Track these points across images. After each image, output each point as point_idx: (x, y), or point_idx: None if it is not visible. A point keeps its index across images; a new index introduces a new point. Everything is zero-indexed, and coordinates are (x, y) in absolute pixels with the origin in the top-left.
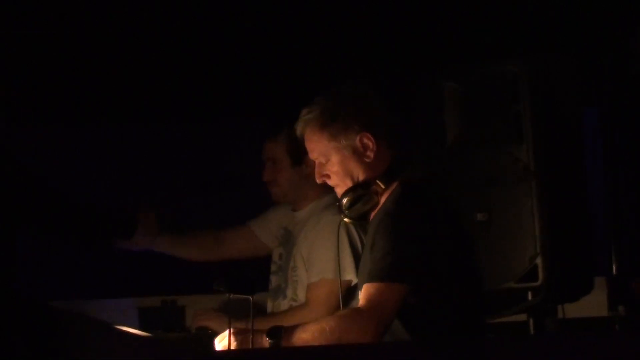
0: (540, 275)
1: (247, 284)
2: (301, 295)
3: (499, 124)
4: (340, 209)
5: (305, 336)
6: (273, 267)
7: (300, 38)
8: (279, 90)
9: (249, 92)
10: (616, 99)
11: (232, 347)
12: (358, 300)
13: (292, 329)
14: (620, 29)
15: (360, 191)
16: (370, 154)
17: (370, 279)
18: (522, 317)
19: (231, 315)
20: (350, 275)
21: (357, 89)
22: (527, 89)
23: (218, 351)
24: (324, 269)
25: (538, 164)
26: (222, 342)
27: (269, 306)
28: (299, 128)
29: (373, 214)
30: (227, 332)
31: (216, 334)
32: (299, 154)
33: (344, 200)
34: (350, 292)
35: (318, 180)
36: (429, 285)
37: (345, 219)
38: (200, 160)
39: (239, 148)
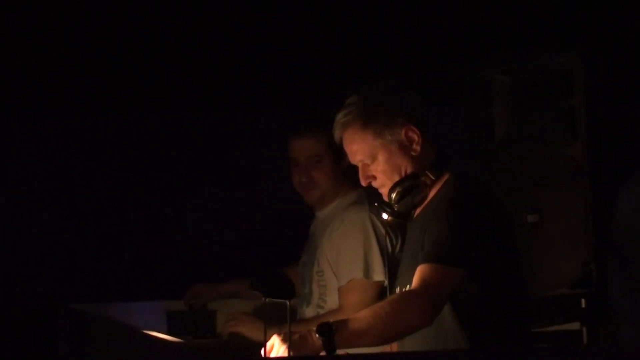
0: (595, 281)
1: (285, 288)
2: (329, 301)
3: (551, 120)
4: (382, 207)
5: (359, 326)
6: (296, 278)
7: (336, 29)
8: (309, 83)
9: (270, 84)
10: None
11: (289, 354)
12: None
13: (344, 322)
14: None
15: (408, 183)
16: (417, 147)
17: (427, 260)
18: (574, 325)
19: (265, 320)
20: (380, 276)
21: (390, 84)
22: (582, 82)
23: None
24: (352, 270)
25: (593, 163)
26: (275, 350)
27: None
28: (337, 132)
29: (419, 210)
30: (273, 339)
31: (249, 340)
32: (341, 148)
33: (393, 194)
34: (381, 294)
35: (364, 183)
36: (487, 274)
37: (388, 218)
38: (204, 155)
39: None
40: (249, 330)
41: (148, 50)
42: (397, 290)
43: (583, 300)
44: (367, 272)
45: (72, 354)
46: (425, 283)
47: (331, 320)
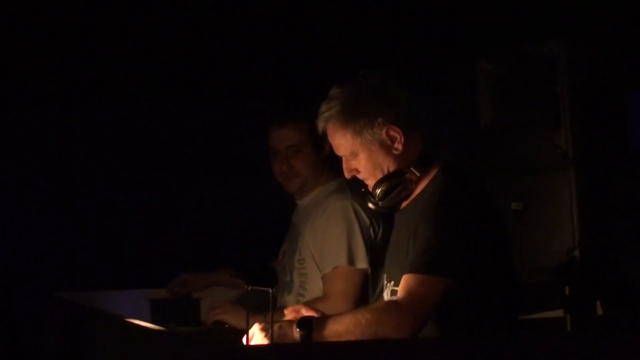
0: (579, 268)
1: (268, 276)
2: (309, 289)
3: (536, 108)
4: (367, 197)
5: (338, 328)
6: (277, 268)
7: (322, 15)
8: (293, 73)
9: (255, 74)
10: None
11: (265, 342)
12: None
13: (324, 320)
14: None
15: (394, 180)
16: (399, 145)
17: (412, 270)
18: (558, 313)
19: (249, 308)
20: (364, 264)
21: (376, 78)
22: (567, 70)
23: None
24: (336, 257)
25: (577, 150)
26: (255, 338)
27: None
28: (320, 124)
29: (406, 203)
30: (254, 327)
31: (233, 328)
32: (320, 137)
33: (378, 190)
34: (365, 281)
35: (347, 176)
36: (472, 278)
37: (374, 207)
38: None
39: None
40: (232, 318)
41: (143, 42)
42: (385, 281)
43: (567, 288)
44: (351, 260)
45: (58, 342)
46: (409, 296)
47: (315, 307)
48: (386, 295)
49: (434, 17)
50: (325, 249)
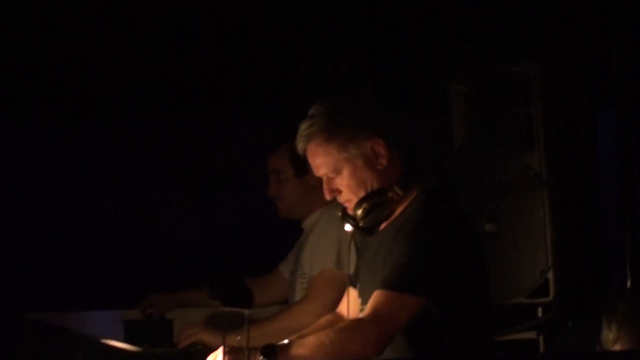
0: (552, 290)
1: (244, 296)
2: None
3: (509, 129)
4: (346, 218)
5: (303, 352)
6: (286, 287)
7: (298, 38)
8: (275, 95)
9: (244, 93)
10: (633, 101)
11: None
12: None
13: (289, 346)
14: (635, 27)
15: (375, 199)
16: (383, 160)
17: (382, 287)
18: (531, 334)
19: (223, 329)
20: (350, 270)
21: (358, 93)
22: (540, 91)
23: None
24: (325, 261)
25: (550, 171)
26: None
27: None
28: (300, 144)
29: (385, 224)
30: (219, 351)
31: (208, 348)
32: (302, 164)
33: (359, 211)
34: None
35: (328, 197)
36: (448, 300)
37: (352, 230)
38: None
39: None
40: (210, 338)
41: (111, 56)
42: (361, 305)
43: (540, 309)
44: (338, 264)
45: None
46: (376, 312)
47: (294, 312)
48: None
49: (408, 38)
50: (316, 253)
